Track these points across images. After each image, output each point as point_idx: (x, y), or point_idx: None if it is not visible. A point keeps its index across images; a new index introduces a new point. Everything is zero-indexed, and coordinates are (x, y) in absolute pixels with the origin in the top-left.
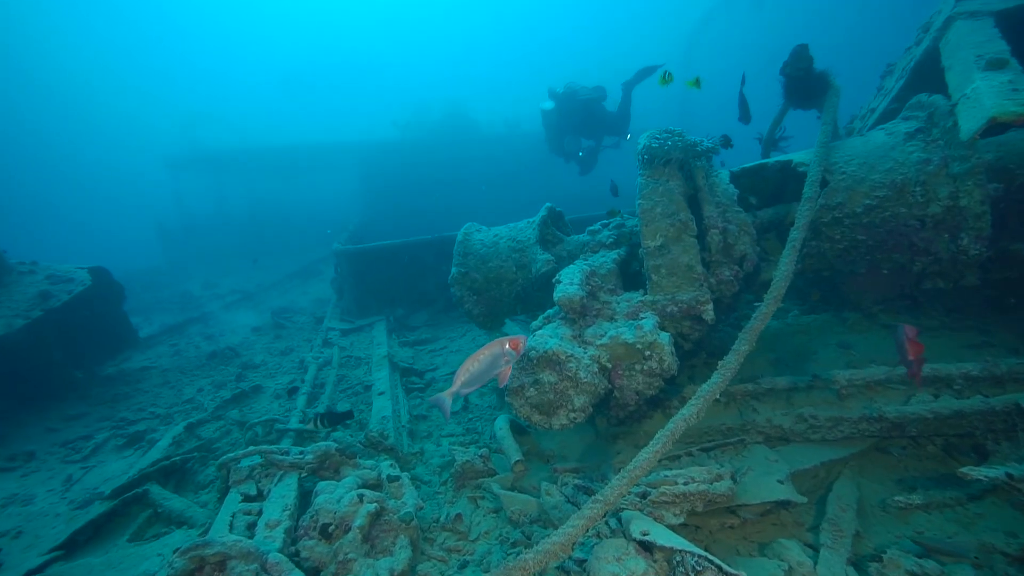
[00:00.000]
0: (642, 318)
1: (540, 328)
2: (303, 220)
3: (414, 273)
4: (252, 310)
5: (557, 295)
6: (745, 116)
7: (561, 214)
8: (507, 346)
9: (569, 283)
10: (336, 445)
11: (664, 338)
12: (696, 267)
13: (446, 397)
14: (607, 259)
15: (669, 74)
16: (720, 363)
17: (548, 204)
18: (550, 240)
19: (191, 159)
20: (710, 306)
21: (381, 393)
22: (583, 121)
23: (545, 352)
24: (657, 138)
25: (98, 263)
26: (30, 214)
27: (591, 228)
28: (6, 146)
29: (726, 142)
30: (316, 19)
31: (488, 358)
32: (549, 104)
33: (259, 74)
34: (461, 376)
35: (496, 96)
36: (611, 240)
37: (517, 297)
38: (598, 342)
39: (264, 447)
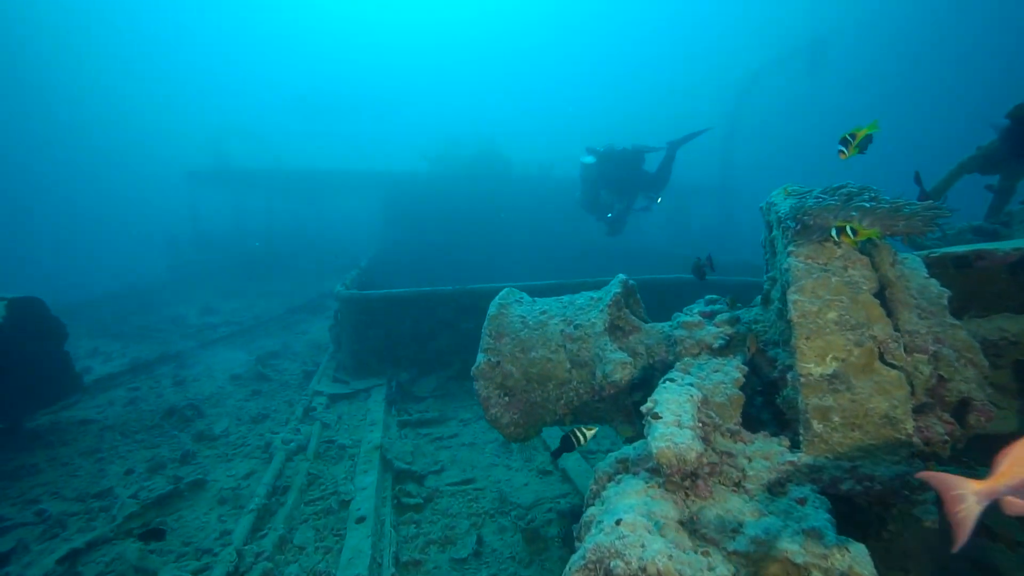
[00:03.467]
0: (796, 497)
1: (617, 495)
2: (320, 247)
3: (426, 329)
4: (241, 349)
5: (657, 444)
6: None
7: (634, 288)
8: None
9: (675, 423)
10: None
11: (865, 566)
12: (903, 421)
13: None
14: (725, 377)
15: (870, 129)
16: None
17: (622, 277)
18: (622, 327)
19: (214, 173)
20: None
21: (361, 520)
22: (622, 177)
23: (643, 568)
24: (822, 195)
25: (101, 276)
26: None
27: (685, 317)
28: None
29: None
30: (354, 44)
31: None
32: (590, 159)
33: (291, 95)
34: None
35: (530, 139)
36: (721, 341)
37: (569, 406)
38: (728, 545)
39: None
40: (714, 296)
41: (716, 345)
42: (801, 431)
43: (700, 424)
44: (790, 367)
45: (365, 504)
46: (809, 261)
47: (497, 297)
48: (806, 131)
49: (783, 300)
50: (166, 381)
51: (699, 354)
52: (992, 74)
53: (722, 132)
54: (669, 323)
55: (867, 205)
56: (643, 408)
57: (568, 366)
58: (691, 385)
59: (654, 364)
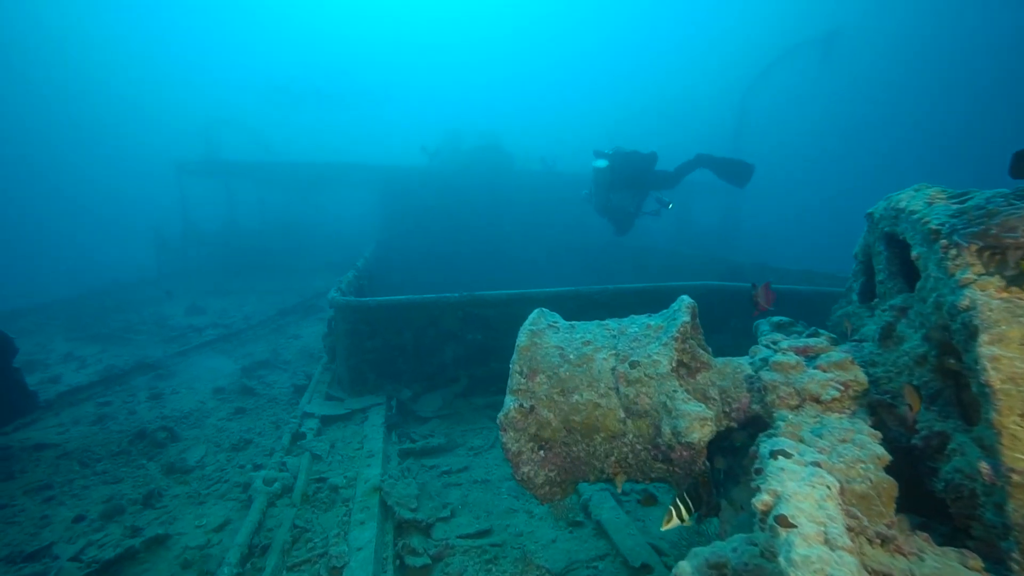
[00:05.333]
0: None
1: None
2: (315, 242)
3: (430, 341)
4: (228, 356)
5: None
6: None
7: (697, 311)
8: None
9: (820, 539)
10: None
11: None
12: None
13: None
14: (861, 451)
15: None
16: None
17: (688, 301)
18: (687, 364)
19: (204, 165)
20: None
21: None
22: (635, 177)
23: None
24: (1009, 200)
25: (83, 272)
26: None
27: (774, 353)
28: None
29: None
30: (351, 35)
31: None
32: (602, 163)
33: (285, 85)
34: None
35: (532, 134)
36: (834, 392)
37: (622, 464)
38: None
39: None
40: (783, 319)
41: (826, 397)
42: (1016, 557)
43: (848, 531)
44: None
45: (361, 572)
46: (1007, 297)
47: (527, 322)
48: (819, 126)
49: (935, 346)
50: (142, 394)
51: (799, 406)
52: (1013, 63)
53: (731, 126)
54: (747, 358)
55: None
56: (757, 503)
57: (622, 415)
58: (817, 465)
59: (730, 414)
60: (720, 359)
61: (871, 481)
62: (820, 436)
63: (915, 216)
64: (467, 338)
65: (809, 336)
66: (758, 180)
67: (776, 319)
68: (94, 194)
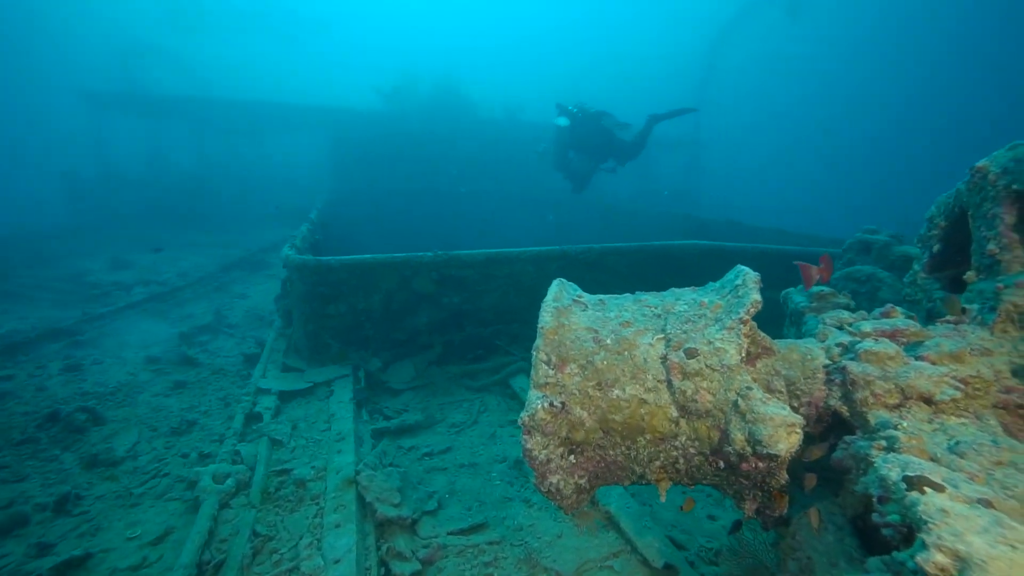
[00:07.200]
0: None
1: None
2: (260, 190)
3: (401, 304)
4: (162, 319)
5: None
6: None
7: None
8: None
9: None
10: None
11: None
12: None
13: None
14: None
15: None
16: None
17: (751, 273)
18: (749, 351)
19: (122, 97)
20: None
21: None
22: (595, 144)
23: None
24: None
25: None
26: None
27: (861, 341)
28: None
29: None
30: None
31: None
32: (564, 121)
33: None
34: None
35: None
36: (952, 392)
37: (668, 469)
38: None
39: None
40: (824, 288)
41: (942, 397)
42: None
43: None
44: None
45: None
46: None
47: (549, 297)
48: (786, 81)
49: None
50: (54, 366)
51: (899, 406)
52: (981, 18)
53: (695, 82)
54: (815, 342)
55: None
56: (926, 564)
57: (674, 414)
58: (988, 505)
59: (798, 410)
60: (782, 342)
61: None
62: (960, 455)
63: None
64: (443, 301)
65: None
66: (722, 138)
67: (816, 288)
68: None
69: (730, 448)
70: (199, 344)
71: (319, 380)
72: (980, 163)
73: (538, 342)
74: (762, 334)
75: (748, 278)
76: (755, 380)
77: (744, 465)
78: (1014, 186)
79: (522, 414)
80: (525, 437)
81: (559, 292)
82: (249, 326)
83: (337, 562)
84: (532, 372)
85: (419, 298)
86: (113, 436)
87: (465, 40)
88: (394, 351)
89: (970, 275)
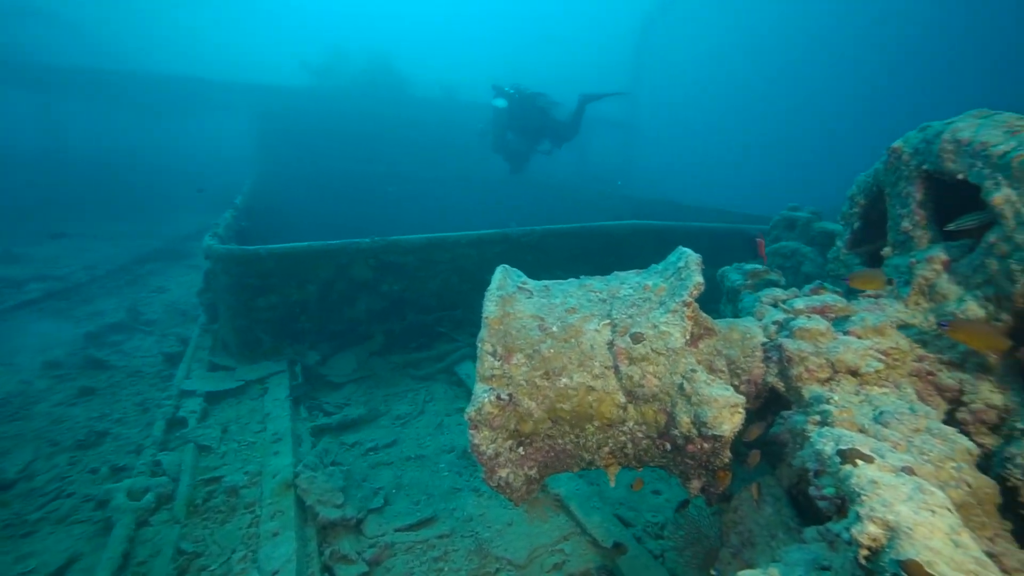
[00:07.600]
0: None
1: None
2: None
3: (338, 293)
4: (65, 318)
5: None
6: None
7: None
8: None
9: None
10: None
11: None
12: None
13: None
14: (947, 447)
15: None
16: None
17: (693, 254)
18: (692, 332)
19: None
20: None
21: None
22: (532, 125)
23: None
24: None
25: None
26: None
27: (793, 318)
28: None
29: None
30: None
31: None
32: (502, 102)
33: None
34: None
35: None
36: (876, 364)
37: (617, 455)
38: None
39: None
40: (757, 266)
41: (867, 370)
42: None
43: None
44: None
45: None
46: None
47: (493, 285)
48: (721, 59)
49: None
50: None
51: (829, 380)
52: None
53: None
54: (753, 320)
55: None
56: (860, 536)
57: (622, 399)
58: (910, 472)
59: (739, 388)
60: (723, 322)
61: (968, 486)
62: (884, 424)
63: (993, 149)
64: (382, 289)
65: (776, 278)
66: (655, 118)
67: (750, 266)
68: None
69: (676, 431)
70: (111, 345)
71: (251, 378)
72: (895, 144)
73: (483, 333)
74: (704, 315)
75: (690, 260)
76: (699, 361)
77: (690, 447)
78: (924, 166)
79: (468, 408)
80: (472, 432)
81: (503, 279)
82: (170, 322)
83: (275, 574)
84: (478, 364)
85: (357, 287)
86: (3, 455)
87: (400, 16)
88: (333, 343)
89: (887, 251)
